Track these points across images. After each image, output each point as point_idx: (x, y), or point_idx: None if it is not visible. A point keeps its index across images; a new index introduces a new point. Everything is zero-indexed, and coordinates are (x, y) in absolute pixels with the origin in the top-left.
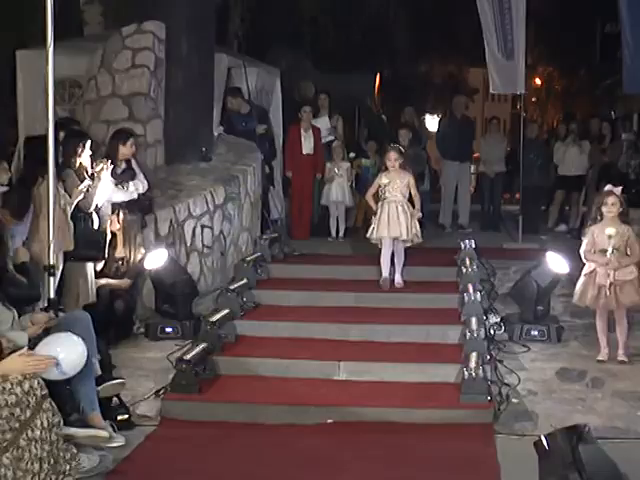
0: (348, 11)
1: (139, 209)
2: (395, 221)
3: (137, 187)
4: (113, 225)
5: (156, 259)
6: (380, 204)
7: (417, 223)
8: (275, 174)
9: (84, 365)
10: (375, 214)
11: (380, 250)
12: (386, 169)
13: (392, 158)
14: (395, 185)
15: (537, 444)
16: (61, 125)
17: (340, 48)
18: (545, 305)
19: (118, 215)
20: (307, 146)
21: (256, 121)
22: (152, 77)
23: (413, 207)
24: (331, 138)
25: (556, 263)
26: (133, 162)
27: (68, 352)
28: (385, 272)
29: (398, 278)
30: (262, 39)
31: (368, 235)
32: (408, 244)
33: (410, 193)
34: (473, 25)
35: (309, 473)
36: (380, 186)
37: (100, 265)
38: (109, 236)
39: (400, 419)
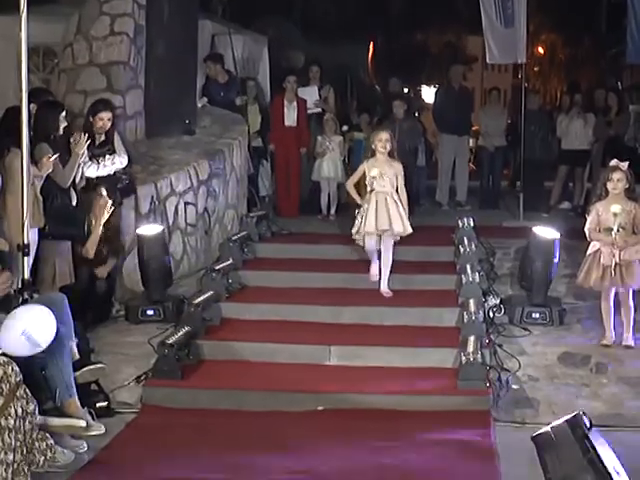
0: None
1: (118, 186)
2: (385, 213)
3: (114, 162)
4: (100, 210)
5: (148, 231)
6: (367, 196)
7: (406, 214)
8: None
9: (60, 347)
10: (359, 207)
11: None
12: (373, 155)
13: (383, 139)
14: (384, 175)
15: (537, 438)
16: (32, 96)
17: (331, 15)
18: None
19: (101, 196)
20: (290, 118)
21: (235, 92)
22: (132, 45)
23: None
24: (317, 110)
25: (546, 233)
26: (116, 136)
27: (36, 322)
28: (374, 264)
29: (384, 287)
30: (248, 5)
31: (353, 232)
32: (397, 238)
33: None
34: None
35: (297, 462)
36: (366, 176)
37: (92, 250)
38: (93, 220)
39: (394, 406)
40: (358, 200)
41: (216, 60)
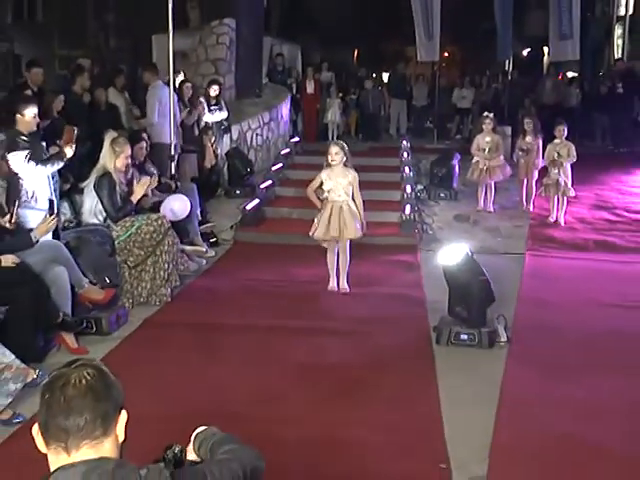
0: (341, 8)
1: (222, 128)
2: (336, 221)
3: (221, 115)
4: (209, 141)
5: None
6: (323, 204)
7: (362, 217)
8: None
9: (189, 212)
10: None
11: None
12: (328, 165)
13: (332, 152)
14: (338, 184)
15: (444, 263)
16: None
17: (335, 32)
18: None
19: (209, 134)
20: (310, 89)
21: (286, 77)
22: (228, 50)
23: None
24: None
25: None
26: (222, 100)
27: (178, 203)
28: (332, 280)
29: (343, 284)
30: (290, 28)
31: (310, 234)
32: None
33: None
34: (412, 18)
35: (318, 271)
36: (322, 184)
37: (209, 164)
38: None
39: (365, 241)
40: (318, 205)
41: (282, 57)
